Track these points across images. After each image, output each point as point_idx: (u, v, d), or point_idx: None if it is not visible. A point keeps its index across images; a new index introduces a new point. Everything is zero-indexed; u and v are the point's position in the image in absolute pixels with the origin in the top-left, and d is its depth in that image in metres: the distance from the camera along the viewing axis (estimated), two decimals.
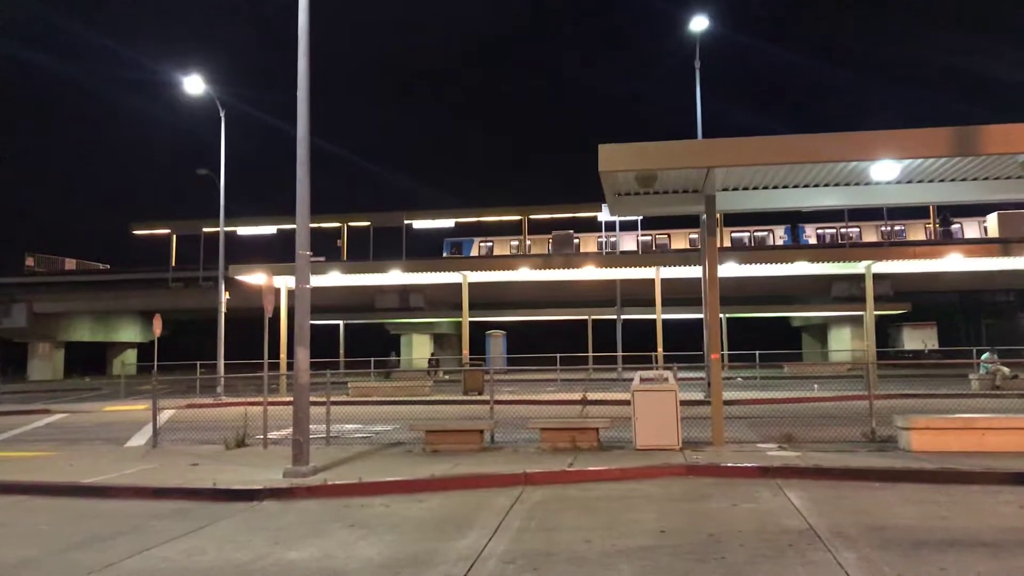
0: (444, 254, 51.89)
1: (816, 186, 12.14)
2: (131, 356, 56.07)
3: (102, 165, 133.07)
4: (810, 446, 10.97)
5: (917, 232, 47.91)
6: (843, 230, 47.80)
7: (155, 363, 23.28)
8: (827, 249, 42.78)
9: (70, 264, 55.16)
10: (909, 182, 11.85)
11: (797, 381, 26.37)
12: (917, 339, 43.32)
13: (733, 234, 48.66)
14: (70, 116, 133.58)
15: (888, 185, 11.97)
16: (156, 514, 8.17)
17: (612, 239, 47.58)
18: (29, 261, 52.55)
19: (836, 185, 12.11)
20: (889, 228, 48.42)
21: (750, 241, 48.33)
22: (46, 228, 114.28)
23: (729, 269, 27.55)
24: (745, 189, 12.36)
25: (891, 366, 32.10)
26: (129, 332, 54.70)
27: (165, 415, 17.25)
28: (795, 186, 12.16)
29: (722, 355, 15.46)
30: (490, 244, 53.63)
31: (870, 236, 48.43)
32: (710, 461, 9.88)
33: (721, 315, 25.01)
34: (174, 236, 51.76)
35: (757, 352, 27.64)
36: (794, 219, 47.26)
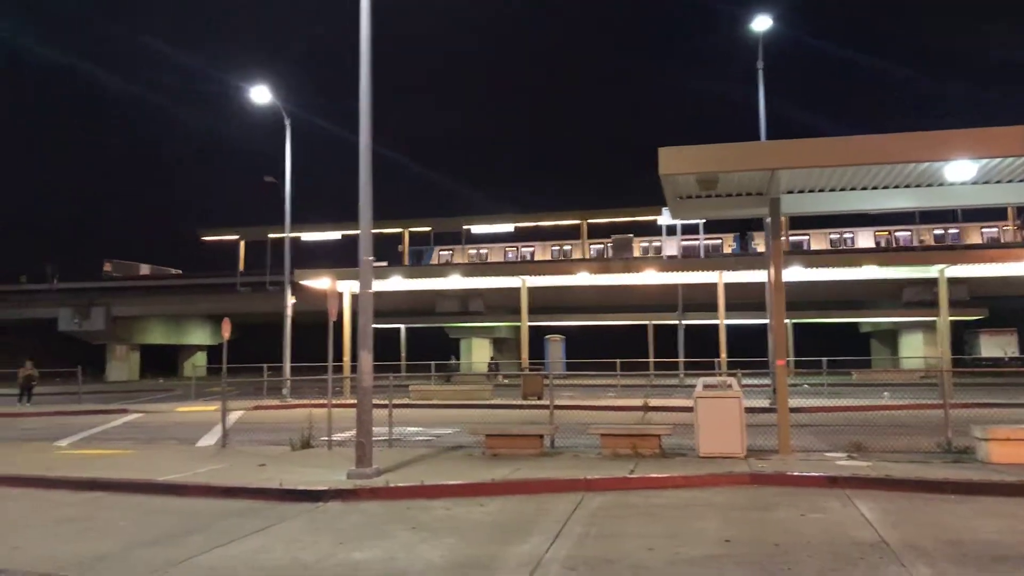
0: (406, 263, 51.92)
1: (886, 187, 11.77)
2: (201, 358, 57.90)
3: (174, 174, 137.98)
4: (881, 456, 10.63)
5: (973, 235, 46.16)
6: (792, 238, 46.78)
7: (224, 365, 23.98)
8: (898, 252, 41.42)
9: (145, 269, 57.37)
10: (986, 182, 11.38)
11: (866, 389, 25.57)
12: (996, 346, 41.50)
13: (684, 243, 47.43)
14: (144, 128, 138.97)
15: (963, 186, 11.52)
16: (226, 512, 8.41)
17: (716, 242, 47.10)
18: (107, 266, 54.85)
19: (907, 187, 11.72)
20: (839, 235, 47.15)
21: (702, 250, 47.33)
22: (123, 235, 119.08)
23: (794, 273, 26.93)
24: (811, 191, 12.07)
25: (968, 374, 30.81)
26: (199, 335, 56.47)
27: (234, 416, 17.73)
28: (863, 188, 11.82)
29: (788, 361, 15.11)
30: (450, 252, 53.60)
31: (820, 243, 47.11)
32: (776, 470, 9.66)
33: (787, 320, 24.31)
34: (242, 242, 53.31)
35: (824, 358, 26.88)
36: (742, 227, 46.15)
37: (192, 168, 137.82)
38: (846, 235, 47.93)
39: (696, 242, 47.05)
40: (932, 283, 27.90)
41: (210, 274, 52.18)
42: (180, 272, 57.99)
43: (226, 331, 25.83)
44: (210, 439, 15.16)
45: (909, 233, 47.46)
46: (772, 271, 12.19)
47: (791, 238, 47.77)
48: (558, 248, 53.17)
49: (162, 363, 55.03)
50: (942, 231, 46.87)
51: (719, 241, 47.74)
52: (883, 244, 47.47)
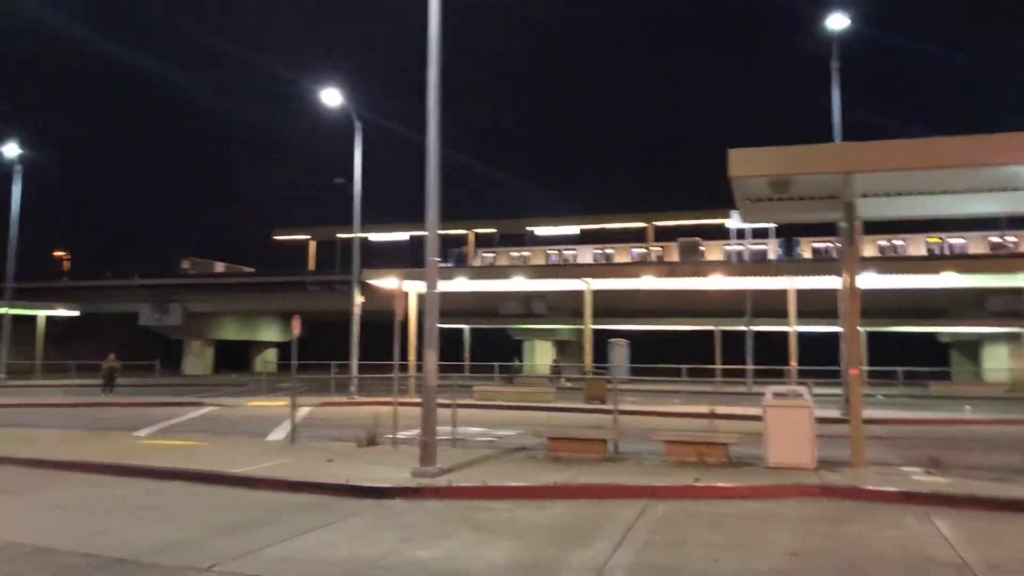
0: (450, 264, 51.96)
1: (969, 191, 11.26)
2: (271, 355, 59.46)
3: (248, 175, 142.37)
4: (961, 472, 10.15)
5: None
6: (840, 244, 44.89)
7: (293, 362, 24.58)
8: (980, 260, 39.65)
9: (220, 267, 59.31)
10: None
11: (945, 401, 24.58)
12: None
13: (726, 247, 46.62)
14: (220, 130, 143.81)
15: None
16: (293, 506, 8.61)
17: (761, 247, 46.22)
18: (185, 264, 56.94)
19: (991, 191, 11.18)
20: (888, 242, 45.16)
21: (744, 255, 46.44)
22: (200, 233, 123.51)
23: (869, 280, 26.13)
24: (888, 195, 11.64)
25: None
26: (270, 332, 58.02)
27: (302, 412, 18.16)
28: (944, 192, 11.34)
29: (862, 371, 14.61)
30: (492, 254, 53.68)
31: (870, 250, 45.09)
32: (848, 483, 9.36)
33: (861, 328, 23.50)
34: (312, 242, 54.60)
35: (900, 369, 25.95)
36: (788, 232, 44.86)
37: (265, 168, 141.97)
38: (896, 242, 46.19)
39: (739, 247, 46.75)
40: (1019, 292, 26.68)
41: (281, 273, 53.58)
42: (253, 270, 59.73)
43: (296, 328, 26.43)
44: (279, 433, 15.56)
45: (964, 241, 45.53)
46: (846, 277, 11.83)
47: (837, 244, 46.52)
48: (600, 251, 53.05)
49: (235, 358, 56.69)
50: (998, 239, 44.79)
51: (764, 246, 46.82)
52: (935, 252, 45.66)
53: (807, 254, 46.28)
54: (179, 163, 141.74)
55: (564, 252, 53.60)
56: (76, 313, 46.28)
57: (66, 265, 67.88)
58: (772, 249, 46.33)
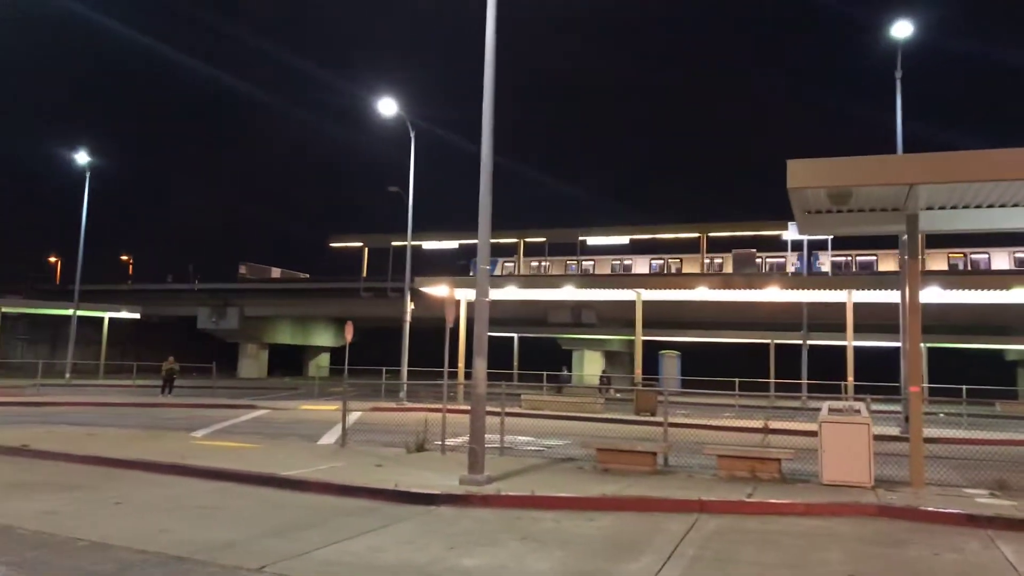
0: (471, 274, 51.73)
1: None
2: (324, 359, 60.34)
3: (305, 183, 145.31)
4: None
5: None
6: (860, 258, 44.97)
7: (345, 367, 24.94)
8: None
9: (276, 273, 60.48)
10: None
11: (1012, 421, 23.61)
12: None
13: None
14: (277, 139, 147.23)
15: None
16: (342, 510, 8.70)
17: (779, 260, 45.82)
18: (242, 269, 58.23)
19: None
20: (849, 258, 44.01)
21: (763, 267, 46.24)
22: (257, 239, 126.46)
23: (931, 294, 25.35)
24: (954, 208, 11.28)
25: None
26: (323, 337, 58.91)
27: (353, 416, 18.35)
28: (1014, 205, 10.92)
29: (923, 388, 14.15)
30: (513, 263, 53.49)
31: (889, 264, 43.52)
32: (907, 503, 9.05)
33: (922, 344, 22.58)
34: (366, 249, 55.30)
35: (964, 387, 25.01)
36: (809, 246, 44.07)
37: (323, 175, 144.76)
38: None
39: (756, 260, 46.83)
40: None
41: (335, 279, 54.33)
42: (308, 276, 60.75)
43: (349, 334, 26.80)
44: (330, 438, 15.77)
45: (987, 256, 43.94)
46: (907, 291, 11.48)
47: (859, 258, 46.29)
48: (619, 262, 52.96)
49: (288, 362, 57.69)
50: (1023, 254, 43.21)
51: (782, 260, 46.06)
52: (960, 267, 44.17)
53: (826, 267, 45.49)
54: (240, 169, 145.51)
55: (583, 263, 53.80)
56: (137, 316, 47.68)
57: (131, 269, 70.17)
58: (791, 262, 45.56)
